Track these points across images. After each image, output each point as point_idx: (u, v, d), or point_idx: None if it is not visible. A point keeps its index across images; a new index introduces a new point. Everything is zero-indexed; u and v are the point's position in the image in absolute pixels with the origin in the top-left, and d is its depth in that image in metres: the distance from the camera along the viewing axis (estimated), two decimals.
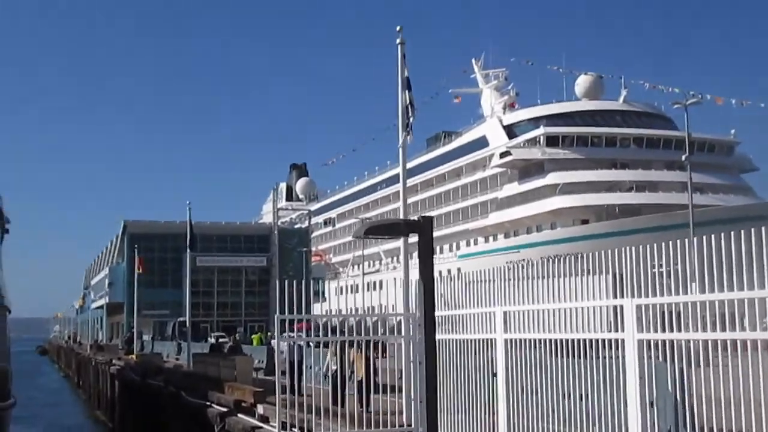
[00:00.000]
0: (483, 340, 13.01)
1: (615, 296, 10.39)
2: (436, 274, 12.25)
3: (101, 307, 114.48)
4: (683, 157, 54.48)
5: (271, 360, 31.97)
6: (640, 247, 9.97)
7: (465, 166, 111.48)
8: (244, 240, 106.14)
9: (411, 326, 13.56)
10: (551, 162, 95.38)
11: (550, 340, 11.50)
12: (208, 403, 23.96)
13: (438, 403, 13.16)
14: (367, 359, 15.21)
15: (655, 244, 9.81)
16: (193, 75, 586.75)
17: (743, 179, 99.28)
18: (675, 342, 9.50)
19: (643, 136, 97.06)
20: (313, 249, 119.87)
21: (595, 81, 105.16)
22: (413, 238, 12.12)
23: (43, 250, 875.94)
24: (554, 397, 11.36)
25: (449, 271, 64.32)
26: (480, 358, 13.09)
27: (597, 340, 10.61)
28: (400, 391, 14.48)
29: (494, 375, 12.67)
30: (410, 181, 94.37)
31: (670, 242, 9.58)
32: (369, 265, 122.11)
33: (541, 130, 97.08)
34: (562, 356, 11.24)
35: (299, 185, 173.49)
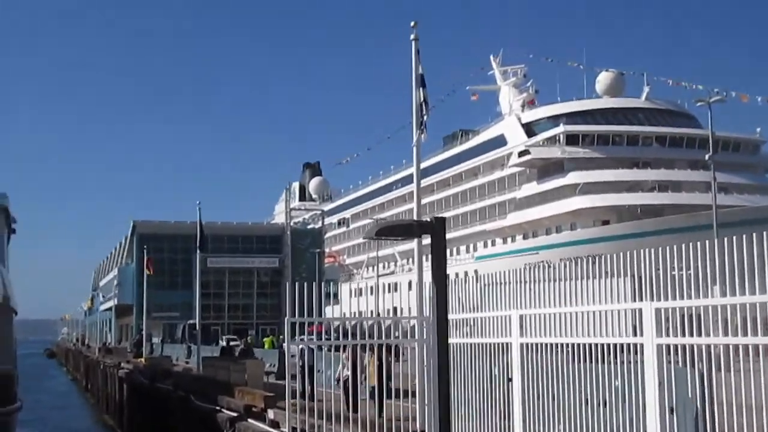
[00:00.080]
0: (498, 344, 12.99)
1: (634, 299, 10.35)
2: (452, 276, 12.24)
3: (110, 308, 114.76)
4: (707, 156, 54.29)
5: (283, 364, 31.99)
6: (659, 249, 9.93)
7: (482, 166, 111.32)
8: (255, 241, 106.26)
9: (424, 329, 13.55)
10: (571, 161, 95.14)
11: (568, 345, 11.48)
12: (217, 408, 24.00)
13: (452, 409, 13.15)
14: (380, 364, 15.20)
15: (675, 246, 9.77)
16: (205, 73, 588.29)
17: None
18: (696, 347, 9.45)
19: (665, 135, 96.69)
20: (327, 250, 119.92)
21: (616, 78, 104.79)
22: (427, 240, 12.12)
23: (51, 251, 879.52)
24: (572, 404, 11.32)
25: (466, 273, 64.25)
26: (495, 362, 13.07)
27: (615, 345, 10.58)
28: (414, 395, 14.48)
29: (510, 380, 12.65)
30: (426, 181, 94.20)
31: (690, 244, 9.54)
32: (383, 267, 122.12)
33: (560, 129, 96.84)
34: (579, 361, 11.21)
35: (312, 185, 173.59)
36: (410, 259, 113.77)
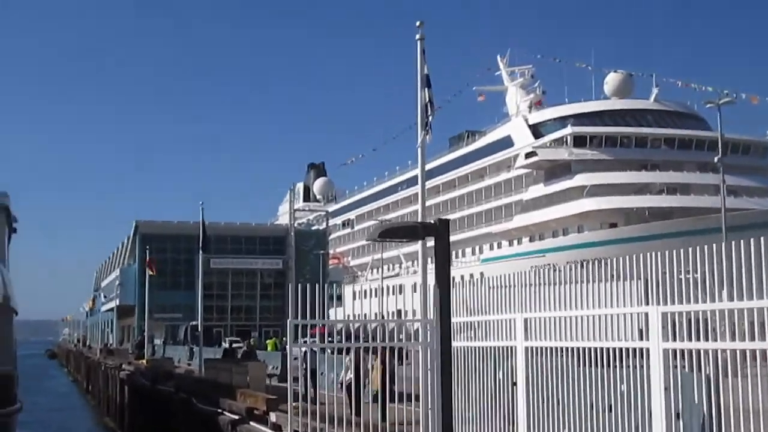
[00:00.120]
0: (502, 348, 12.98)
1: (641, 303, 10.34)
2: (457, 279, 12.23)
3: (112, 309, 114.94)
4: (716, 159, 54.21)
5: (286, 366, 32.00)
6: (666, 252, 9.91)
7: (489, 167, 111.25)
8: (259, 242, 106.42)
9: (428, 332, 13.54)
10: (579, 163, 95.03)
11: (573, 349, 11.46)
12: (219, 411, 24.06)
13: (456, 413, 13.14)
14: (384, 368, 15.18)
15: (681, 249, 9.75)
16: (208, 71, 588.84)
17: None
18: (703, 351, 9.43)
19: (674, 137, 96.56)
20: (331, 251, 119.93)
21: (624, 79, 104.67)
22: (432, 242, 12.10)
23: (53, 251, 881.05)
24: (577, 408, 11.31)
25: (471, 276, 64.22)
26: (499, 366, 13.05)
27: (621, 349, 10.57)
28: (418, 399, 14.47)
29: (514, 384, 12.64)
30: (432, 182, 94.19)
31: (696, 247, 9.52)
32: (388, 269, 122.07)
33: (568, 130, 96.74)
34: (584, 365, 11.20)
35: (317, 185, 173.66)
36: (415, 261, 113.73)
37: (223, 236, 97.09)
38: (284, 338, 57.86)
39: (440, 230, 10.36)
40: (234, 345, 58.47)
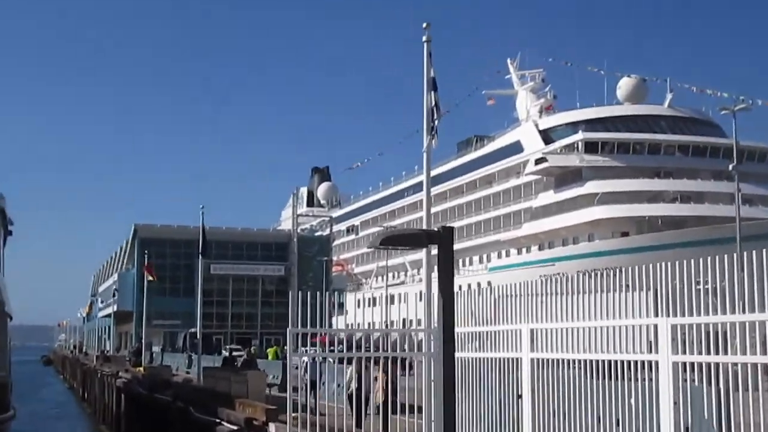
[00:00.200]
0: (508, 359, 12.97)
1: (649, 315, 10.33)
2: (464, 288, 12.23)
3: (109, 315, 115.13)
4: (731, 167, 54.05)
5: (286, 376, 31.95)
6: (676, 262, 9.90)
7: (497, 173, 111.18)
8: (261, 247, 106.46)
9: (432, 342, 13.52)
10: (590, 170, 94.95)
11: (580, 361, 11.45)
12: (217, 421, 24.05)
13: (459, 426, 13.13)
14: (386, 378, 15.16)
15: (692, 260, 9.74)
16: (211, 74, 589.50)
17: None
18: (713, 365, 9.41)
19: (688, 144, 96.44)
20: (335, 258, 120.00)
21: (638, 84, 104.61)
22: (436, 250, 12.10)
23: (49, 255, 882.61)
24: (584, 422, 11.30)
25: (479, 285, 64.10)
26: (504, 378, 13.04)
27: (629, 362, 10.56)
28: (420, 411, 14.45)
29: (519, 397, 12.62)
30: (439, 188, 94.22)
31: (707, 257, 9.51)
32: (393, 277, 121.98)
33: (579, 136, 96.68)
34: (592, 378, 11.19)
35: (321, 190, 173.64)
36: (421, 269, 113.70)
37: (224, 241, 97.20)
38: (285, 347, 57.87)
39: (444, 238, 10.35)
40: (234, 353, 58.40)
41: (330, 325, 13.91)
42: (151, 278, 67.65)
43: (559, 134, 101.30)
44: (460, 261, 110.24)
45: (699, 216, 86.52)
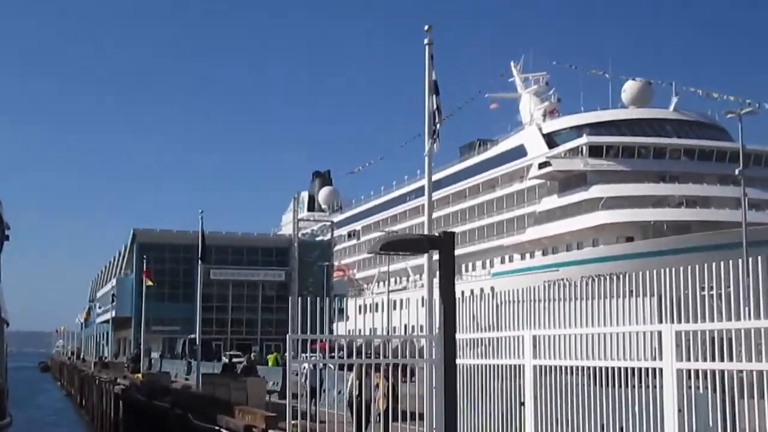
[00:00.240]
0: (510, 366, 12.96)
1: (653, 321, 10.32)
2: (467, 293, 12.22)
3: (107, 321, 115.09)
4: (737, 171, 54.10)
5: (287, 382, 31.93)
6: (680, 268, 9.89)
7: (501, 177, 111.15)
8: (261, 252, 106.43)
9: (434, 349, 13.52)
10: (594, 174, 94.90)
11: (583, 368, 11.44)
12: (216, 428, 24.06)
13: None
14: (388, 385, 15.14)
15: (697, 265, 9.73)
16: (210, 74, 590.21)
17: None
18: (718, 372, 9.40)
19: (694, 148, 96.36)
20: (336, 263, 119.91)
21: (643, 87, 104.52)
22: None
23: (47, 260, 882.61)
24: (587, 430, 11.28)
25: (482, 290, 64.12)
26: (507, 385, 13.03)
27: (633, 369, 10.54)
28: (422, 418, 14.44)
29: (522, 404, 12.61)
30: (441, 193, 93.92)
31: (713, 263, 9.50)
32: (395, 282, 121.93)
33: (584, 140, 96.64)
34: (595, 385, 11.18)
35: (322, 194, 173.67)
36: (422, 275, 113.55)
37: (223, 246, 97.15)
38: (286, 353, 57.79)
39: (445, 243, 10.34)
40: (234, 360, 58.40)
41: (331, 332, 13.91)
42: (150, 283, 67.69)
43: (563, 138, 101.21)
44: (463, 266, 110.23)
45: (705, 221, 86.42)
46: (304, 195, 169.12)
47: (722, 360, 9.38)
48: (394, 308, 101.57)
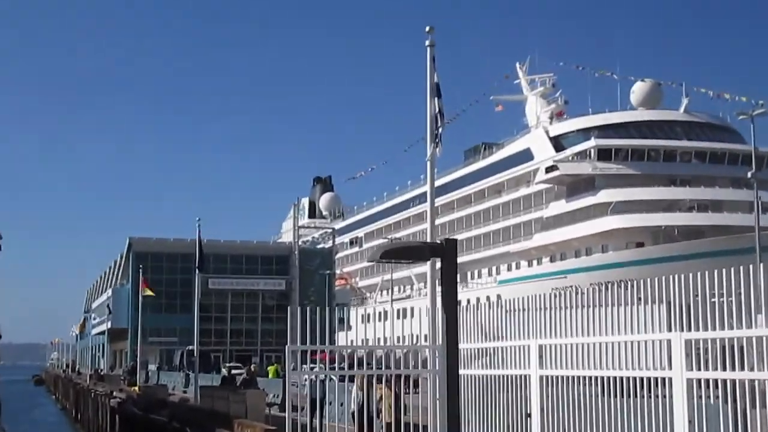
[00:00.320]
0: (515, 377, 12.95)
1: (662, 330, 10.30)
2: (473, 301, 12.21)
3: (103, 332, 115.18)
4: (750, 174, 54.02)
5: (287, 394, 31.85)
6: (690, 274, 9.88)
7: (507, 182, 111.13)
8: (261, 261, 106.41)
9: (437, 359, 13.51)
10: (603, 178, 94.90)
11: (590, 378, 11.42)
12: None
13: None
14: (396, 396, 15.12)
15: (707, 271, 9.72)
16: (210, 76, 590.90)
17: None
18: (729, 381, 9.38)
19: (706, 150, 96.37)
20: (338, 272, 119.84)
21: (652, 88, 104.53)
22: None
23: (42, 271, 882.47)
24: None
25: (488, 298, 64.05)
26: (512, 396, 13.02)
27: (642, 379, 10.53)
28: (426, 430, 14.42)
29: (528, 415, 12.60)
30: (446, 198, 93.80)
31: (723, 269, 9.49)
32: (399, 290, 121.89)
33: (592, 143, 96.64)
34: (603, 396, 11.16)
35: (323, 201, 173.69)
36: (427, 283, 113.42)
37: (222, 255, 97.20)
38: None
39: (447, 251, 10.33)
40: (234, 371, 58.32)
41: (333, 342, 13.90)
42: (149, 292, 67.65)
43: (571, 141, 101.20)
44: (469, 274, 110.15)
45: (717, 225, 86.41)
46: (305, 201, 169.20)
47: (734, 369, 9.36)
48: (398, 317, 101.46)
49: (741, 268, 9.32)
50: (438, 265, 13.29)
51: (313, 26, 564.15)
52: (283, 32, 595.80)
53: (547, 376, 12.32)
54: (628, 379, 10.70)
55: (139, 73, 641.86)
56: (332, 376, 15.03)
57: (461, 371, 12.80)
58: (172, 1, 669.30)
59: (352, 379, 15.70)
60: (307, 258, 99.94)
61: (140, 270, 74.76)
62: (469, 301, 13.72)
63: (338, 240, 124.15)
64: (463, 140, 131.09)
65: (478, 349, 13.93)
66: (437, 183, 16.98)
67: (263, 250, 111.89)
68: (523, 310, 12.84)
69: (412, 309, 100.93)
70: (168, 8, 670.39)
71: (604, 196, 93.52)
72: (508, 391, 13.14)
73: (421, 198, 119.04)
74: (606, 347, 11.13)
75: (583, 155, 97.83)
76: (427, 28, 16.50)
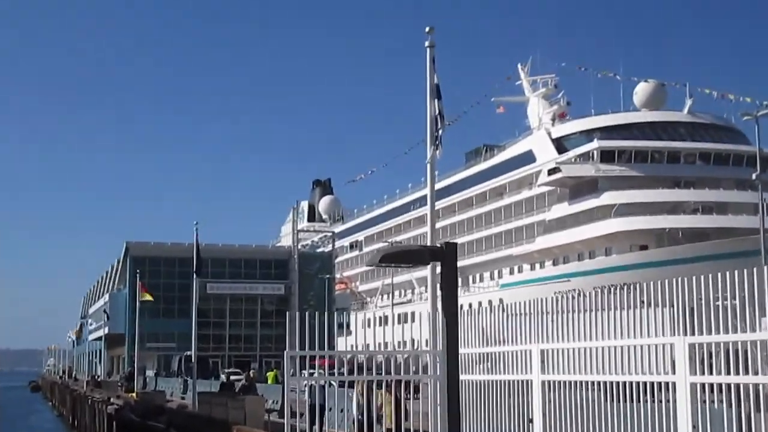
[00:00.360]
0: (517, 382, 12.95)
1: (665, 333, 10.31)
2: (474, 305, 12.21)
3: (100, 338, 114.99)
4: (754, 175, 54.06)
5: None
6: (693, 277, 9.88)
7: (508, 184, 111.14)
8: (260, 265, 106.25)
9: (438, 364, 13.52)
10: (606, 180, 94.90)
11: (593, 383, 11.43)
12: None
13: None
14: (397, 402, 15.13)
15: (710, 274, 9.73)
16: (208, 78, 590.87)
17: None
18: (734, 386, 9.38)
19: (710, 152, 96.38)
20: (338, 276, 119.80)
21: (656, 89, 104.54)
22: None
23: (38, 276, 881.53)
24: None
25: (490, 302, 64.01)
26: (514, 401, 13.02)
27: (645, 383, 10.53)
28: None
29: (530, 421, 12.60)
30: (447, 201, 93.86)
31: (727, 272, 9.49)
32: (400, 295, 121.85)
33: (594, 144, 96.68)
34: (606, 401, 11.17)
35: (323, 204, 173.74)
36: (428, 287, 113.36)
37: (220, 259, 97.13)
38: None
39: (447, 254, 10.34)
40: (233, 377, 58.29)
41: (332, 347, 13.89)
42: (148, 297, 67.63)
43: (574, 143, 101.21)
44: (470, 277, 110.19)
45: (721, 228, 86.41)
46: (304, 205, 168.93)
47: (738, 373, 9.37)
48: (399, 322, 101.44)
49: (745, 270, 9.33)
50: (438, 269, 13.32)
51: (312, 26, 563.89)
52: (283, 32, 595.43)
53: (549, 381, 12.33)
54: (631, 383, 10.71)
55: (139, 73, 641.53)
56: (332, 382, 15.04)
57: (462, 376, 12.82)
58: (172, 1, 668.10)
59: (352, 384, 15.70)
60: (306, 262, 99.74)
61: (137, 274, 74.73)
62: (471, 306, 13.75)
63: (338, 243, 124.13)
64: (465, 142, 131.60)
65: (480, 354, 13.93)
66: (438, 186, 16.98)
67: (262, 254, 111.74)
68: (525, 314, 12.84)
69: (413, 313, 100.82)
70: (168, 8, 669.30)
71: (608, 198, 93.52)
72: (510, 397, 13.14)
73: (421, 201, 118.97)
74: (609, 351, 11.13)
75: (585, 157, 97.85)
76: (427, 29, 16.51)
